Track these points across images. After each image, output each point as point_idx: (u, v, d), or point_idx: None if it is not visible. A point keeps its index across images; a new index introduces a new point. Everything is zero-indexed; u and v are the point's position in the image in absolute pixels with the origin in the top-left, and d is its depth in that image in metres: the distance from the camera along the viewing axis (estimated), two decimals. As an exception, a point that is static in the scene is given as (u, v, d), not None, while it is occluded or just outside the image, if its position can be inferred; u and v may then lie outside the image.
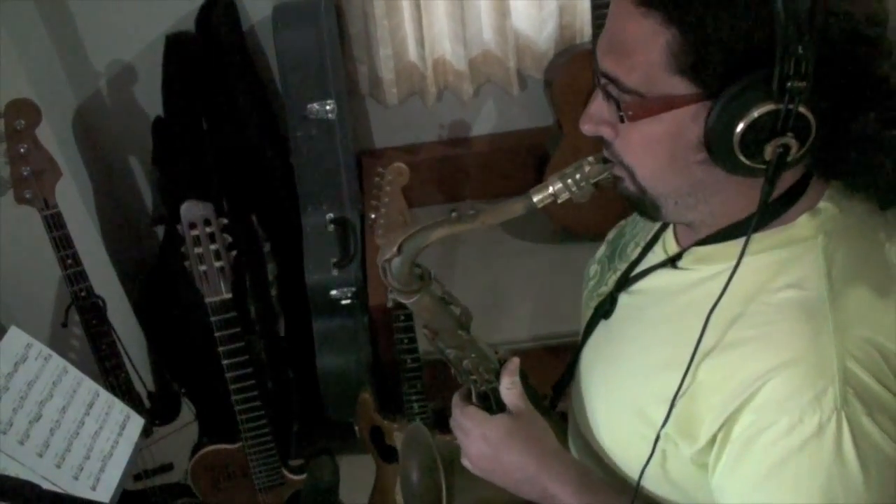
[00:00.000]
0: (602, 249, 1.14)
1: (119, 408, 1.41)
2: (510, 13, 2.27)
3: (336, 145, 2.22)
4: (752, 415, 0.78)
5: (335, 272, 2.22)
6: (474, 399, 1.03)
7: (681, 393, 0.83)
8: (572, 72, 2.20)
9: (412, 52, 2.37)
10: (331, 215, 2.25)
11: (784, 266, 0.82)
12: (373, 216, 1.79)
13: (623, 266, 1.03)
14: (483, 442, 0.99)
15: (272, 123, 2.39)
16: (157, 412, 1.99)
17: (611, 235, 1.15)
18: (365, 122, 2.55)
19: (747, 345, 0.80)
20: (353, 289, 2.22)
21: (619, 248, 1.09)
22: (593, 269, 1.14)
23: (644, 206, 0.87)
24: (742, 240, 0.79)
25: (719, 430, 0.80)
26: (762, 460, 0.77)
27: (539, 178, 2.37)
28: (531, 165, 2.48)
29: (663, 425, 0.84)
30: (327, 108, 2.17)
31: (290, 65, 2.16)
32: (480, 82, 2.46)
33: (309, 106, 2.17)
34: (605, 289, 1.05)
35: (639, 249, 1.02)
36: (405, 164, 1.75)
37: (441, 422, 1.98)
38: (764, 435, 0.77)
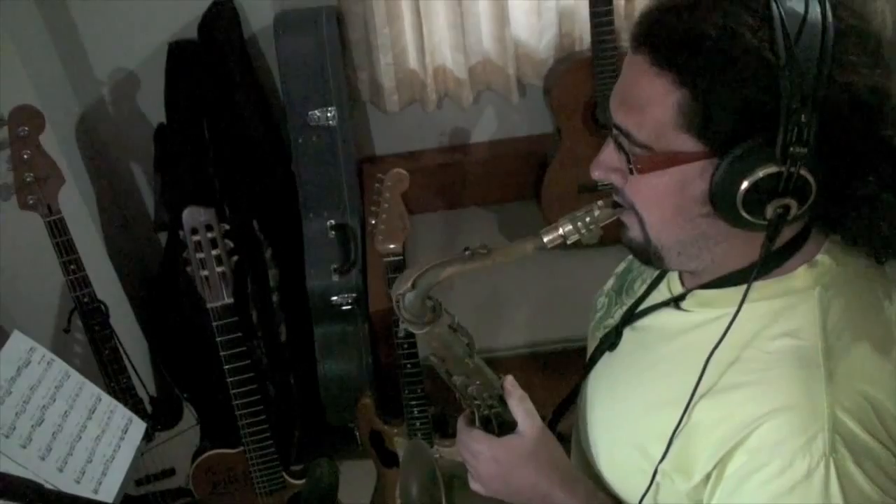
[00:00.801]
0: (611, 282, 1.18)
1: (121, 412, 1.41)
2: (510, 22, 2.28)
3: (337, 152, 2.23)
4: (746, 455, 0.81)
5: (336, 278, 2.24)
6: (477, 423, 1.05)
7: (678, 431, 0.86)
8: (571, 79, 2.22)
9: (413, 60, 2.38)
10: (332, 221, 2.26)
11: (781, 315, 0.85)
12: (373, 222, 1.80)
13: (629, 301, 1.06)
14: (494, 463, 1.01)
15: (274, 130, 2.41)
16: (158, 417, 2.00)
17: (620, 268, 1.18)
18: (366, 129, 2.56)
19: (743, 389, 0.83)
20: (354, 295, 2.23)
21: (626, 283, 1.12)
22: (601, 301, 1.17)
23: (648, 255, 0.91)
24: (743, 287, 0.83)
25: (714, 468, 0.83)
26: (754, 499, 0.80)
27: (538, 185, 2.38)
28: (531, 172, 2.49)
29: (661, 461, 0.88)
30: (328, 115, 2.18)
31: (292, 72, 2.18)
32: (480, 90, 2.47)
33: (310, 113, 2.18)
34: (612, 321, 1.08)
35: (645, 286, 1.05)
36: (405, 171, 1.77)
37: (440, 427, 1.99)
38: (756, 476, 0.80)
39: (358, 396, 2.03)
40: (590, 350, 1.10)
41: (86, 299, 1.80)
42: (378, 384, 2.29)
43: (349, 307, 2.25)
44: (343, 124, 2.23)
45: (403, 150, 2.59)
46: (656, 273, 1.03)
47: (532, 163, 2.49)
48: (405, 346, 1.87)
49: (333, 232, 2.26)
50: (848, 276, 0.86)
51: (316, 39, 2.16)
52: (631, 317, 1.03)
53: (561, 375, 1.81)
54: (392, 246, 1.80)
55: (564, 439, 1.12)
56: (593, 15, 2.05)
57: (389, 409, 2.03)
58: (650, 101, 0.80)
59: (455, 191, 2.58)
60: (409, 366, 1.89)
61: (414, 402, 1.93)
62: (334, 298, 2.24)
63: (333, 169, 2.25)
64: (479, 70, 2.41)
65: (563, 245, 0.90)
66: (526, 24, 2.35)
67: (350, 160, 2.30)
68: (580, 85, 2.19)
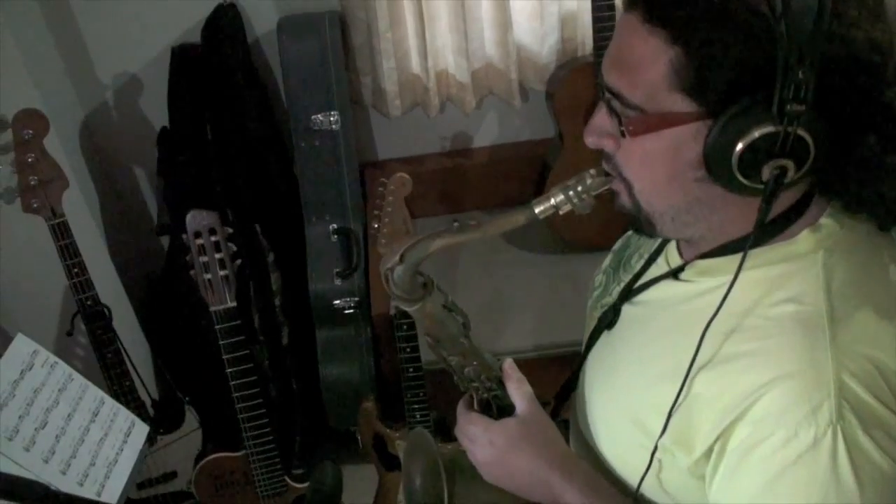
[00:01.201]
0: (608, 259, 1.15)
1: (124, 415, 1.42)
2: (512, 26, 2.29)
3: (340, 156, 2.24)
4: (749, 427, 0.78)
5: (338, 282, 2.24)
6: (476, 406, 1.04)
7: (678, 404, 0.84)
8: (574, 84, 2.22)
9: (415, 65, 2.39)
10: (334, 226, 2.27)
11: (783, 281, 0.83)
12: (376, 226, 1.80)
13: (627, 277, 1.04)
14: (491, 447, 0.99)
15: (276, 134, 2.41)
16: (161, 420, 2.00)
17: (617, 245, 1.16)
18: (368, 133, 2.57)
19: (744, 358, 0.81)
20: (356, 298, 2.24)
21: (623, 259, 1.09)
22: (598, 279, 1.14)
23: (639, 222, 0.88)
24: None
25: (715, 441, 0.81)
26: (758, 473, 0.78)
27: (540, 190, 2.39)
28: (533, 176, 2.49)
29: (661, 436, 0.85)
30: (331, 119, 2.19)
31: (295, 76, 2.18)
32: (483, 94, 2.48)
33: (313, 117, 2.19)
34: (610, 299, 1.05)
35: (643, 261, 1.03)
36: (408, 175, 1.77)
37: (442, 430, 1.99)
38: (760, 447, 0.77)
39: (360, 400, 2.03)
40: (588, 330, 1.08)
41: (89, 302, 1.80)
42: (380, 388, 2.29)
43: (351, 311, 2.25)
44: (346, 128, 2.23)
45: (406, 154, 2.59)
46: (654, 247, 1.01)
47: (534, 167, 2.49)
48: (407, 349, 1.87)
49: (336, 236, 2.27)
50: (852, 239, 0.83)
51: (319, 44, 2.17)
52: (629, 293, 1.00)
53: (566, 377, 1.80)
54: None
55: (568, 427, 1.11)
56: (595, 20, 2.06)
57: (391, 413, 2.03)
58: (642, 61, 0.77)
59: (457, 195, 2.58)
60: (411, 370, 1.89)
61: (416, 406, 1.93)
62: (336, 302, 2.24)
63: (336, 173, 2.25)
64: (481, 75, 2.41)
65: (554, 215, 0.86)
66: (528, 29, 2.35)
67: (353, 164, 2.30)
68: (582, 89, 2.19)
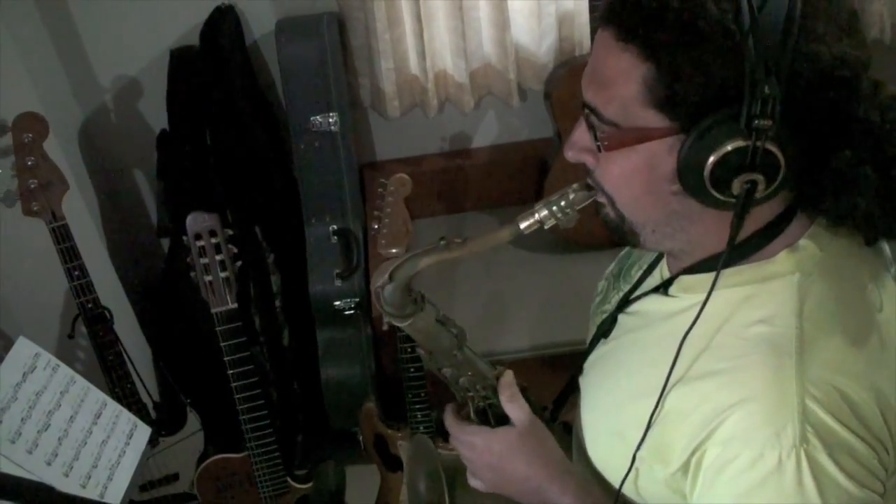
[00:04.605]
0: (612, 266, 1.17)
1: (126, 417, 1.42)
2: (510, 26, 2.29)
3: (339, 157, 2.24)
4: (718, 447, 0.80)
5: (338, 283, 2.24)
6: (472, 415, 1.05)
7: (654, 418, 0.86)
8: (572, 84, 2.22)
9: (413, 65, 2.39)
10: (334, 227, 2.27)
11: (759, 301, 0.84)
12: (376, 227, 1.80)
13: (626, 287, 1.05)
14: (489, 455, 1.01)
15: (276, 136, 2.41)
16: (162, 422, 2.00)
17: (622, 253, 1.17)
18: (367, 134, 2.57)
19: (716, 376, 0.82)
20: (357, 299, 2.24)
21: (624, 268, 1.11)
22: (601, 284, 1.16)
23: (623, 233, 0.90)
24: (724, 270, 0.82)
25: (690, 457, 0.83)
26: (728, 493, 0.79)
27: (539, 189, 2.39)
28: (531, 176, 2.50)
29: (638, 448, 0.87)
30: (330, 120, 2.19)
31: (293, 78, 2.19)
32: (481, 94, 2.48)
33: (312, 118, 2.19)
34: (609, 307, 1.07)
35: (640, 272, 1.04)
36: (407, 176, 1.77)
37: (444, 431, 1.99)
38: (729, 468, 0.79)
39: (361, 401, 2.03)
40: (590, 335, 1.09)
41: (90, 305, 1.80)
42: (381, 389, 2.29)
43: (352, 312, 2.25)
44: (344, 130, 2.24)
45: (405, 155, 2.59)
46: (652, 259, 1.03)
47: (533, 167, 2.50)
48: (408, 350, 1.88)
49: (336, 237, 2.27)
50: (831, 262, 0.84)
51: (317, 45, 2.17)
52: (625, 304, 1.01)
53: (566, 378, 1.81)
54: (395, 250, 1.80)
55: (568, 429, 1.13)
56: (593, 20, 2.06)
57: (392, 414, 2.03)
58: (616, 77, 0.79)
59: (456, 195, 2.59)
60: (412, 370, 1.90)
61: (417, 407, 1.94)
62: (337, 303, 2.24)
63: (335, 174, 2.26)
64: (479, 75, 2.42)
65: (539, 230, 0.88)
66: (526, 29, 2.36)
67: (352, 165, 2.31)
68: (580, 89, 2.19)
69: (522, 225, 0.88)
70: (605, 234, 1.22)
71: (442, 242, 0.88)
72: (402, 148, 2.59)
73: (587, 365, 1.06)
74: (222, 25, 2.21)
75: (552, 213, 0.87)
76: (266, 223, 2.32)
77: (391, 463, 2.02)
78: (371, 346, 2.28)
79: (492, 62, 2.40)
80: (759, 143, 0.73)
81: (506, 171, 2.54)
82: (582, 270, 2.12)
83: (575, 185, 0.89)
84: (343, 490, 1.53)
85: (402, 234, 1.79)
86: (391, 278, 0.90)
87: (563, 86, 2.26)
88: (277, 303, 2.34)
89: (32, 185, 1.67)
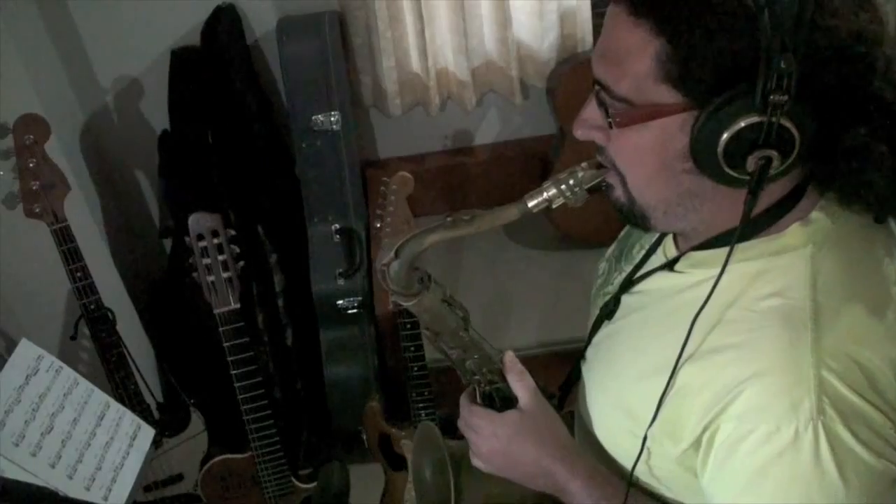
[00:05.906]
0: (612, 247, 1.16)
1: (129, 419, 1.42)
2: (512, 23, 2.29)
3: (341, 156, 2.24)
4: (733, 422, 0.79)
5: (341, 282, 2.24)
6: (479, 399, 1.04)
7: (665, 395, 0.84)
8: (574, 80, 2.22)
9: (415, 63, 2.39)
10: (336, 226, 2.27)
11: (771, 274, 0.83)
12: (378, 225, 1.80)
13: (628, 268, 1.04)
14: (494, 439, 1.00)
15: (277, 135, 2.41)
16: (166, 423, 2.00)
17: (622, 234, 1.16)
18: (369, 132, 2.57)
19: (728, 351, 0.81)
20: (360, 298, 2.24)
21: (625, 248, 1.10)
22: (602, 266, 1.15)
23: (633, 216, 0.88)
24: (735, 245, 0.80)
25: (702, 433, 0.82)
26: (744, 468, 0.78)
27: (543, 186, 2.38)
28: (534, 173, 2.49)
29: (650, 425, 0.86)
30: (332, 119, 2.19)
31: (295, 77, 2.18)
32: (483, 92, 2.48)
33: (314, 118, 2.19)
34: (611, 289, 1.06)
35: (643, 252, 1.03)
36: (409, 174, 1.77)
37: (448, 428, 1.99)
38: (744, 442, 0.78)
39: (365, 400, 2.03)
40: (592, 318, 1.08)
41: (92, 306, 1.80)
42: (385, 387, 2.29)
43: (355, 311, 2.25)
44: (346, 128, 2.23)
45: (407, 153, 2.59)
46: (654, 239, 1.01)
47: (536, 164, 2.49)
48: (412, 348, 1.87)
49: (338, 236, 2.27)
50: (843, 233, 0.83)
51: (318, 44, 2.16)
52: (629, 283, 1.00)
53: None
54: (397, 249, 1.80)
55: (574, 417, 1.12)
56: (595, 16, 2.06)
57: (397, 413, 2.03)
58: (629, 53, 0.78)
59: (459, 193, 2.58)
60: (415, 368, 1.89)
61: (421, 405, 1.93)
62: (340, 302, 2.24)
63: (337, 173, 2.25)
64: (481, 72, 2.41)
65: (551, 209, 0.87)
66: (528, 26, 2.35)
67: (354, 164, 2.30)
68: (583, 85, 2.16)
69: (531, 203, 0.87)
70: (609, 230, 1.21)
71: (449, 220, 0.87)
72: (404, 146, 2.59)
73: (591, 347, 1.05)
74: (223, 25, 2.20)
75: (561, 192, 0.86)
76: (268, 223, 2.32)
77: (395, 462, 2.02)
78: (374, 344, 2.28)
79: (494, 59, 2.39)
80: (774, 119, 0.72)
81: (508, 168, 2.53)
82: (585, 267, 2.10)
83: (584, 164, 0.88)
84: (347, 490, 1.52)
85: (404, 234, 1.78)
86: (397, 255, 0.89)
87: (566, 82, 2.25)
88: (280, 302, 2.34)
89: (34, 187, 1.67)
